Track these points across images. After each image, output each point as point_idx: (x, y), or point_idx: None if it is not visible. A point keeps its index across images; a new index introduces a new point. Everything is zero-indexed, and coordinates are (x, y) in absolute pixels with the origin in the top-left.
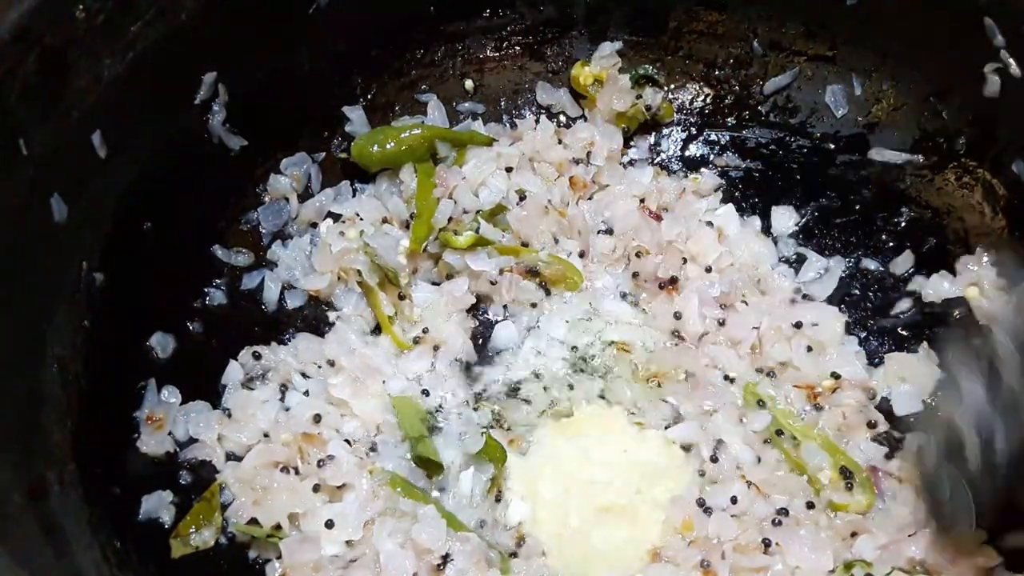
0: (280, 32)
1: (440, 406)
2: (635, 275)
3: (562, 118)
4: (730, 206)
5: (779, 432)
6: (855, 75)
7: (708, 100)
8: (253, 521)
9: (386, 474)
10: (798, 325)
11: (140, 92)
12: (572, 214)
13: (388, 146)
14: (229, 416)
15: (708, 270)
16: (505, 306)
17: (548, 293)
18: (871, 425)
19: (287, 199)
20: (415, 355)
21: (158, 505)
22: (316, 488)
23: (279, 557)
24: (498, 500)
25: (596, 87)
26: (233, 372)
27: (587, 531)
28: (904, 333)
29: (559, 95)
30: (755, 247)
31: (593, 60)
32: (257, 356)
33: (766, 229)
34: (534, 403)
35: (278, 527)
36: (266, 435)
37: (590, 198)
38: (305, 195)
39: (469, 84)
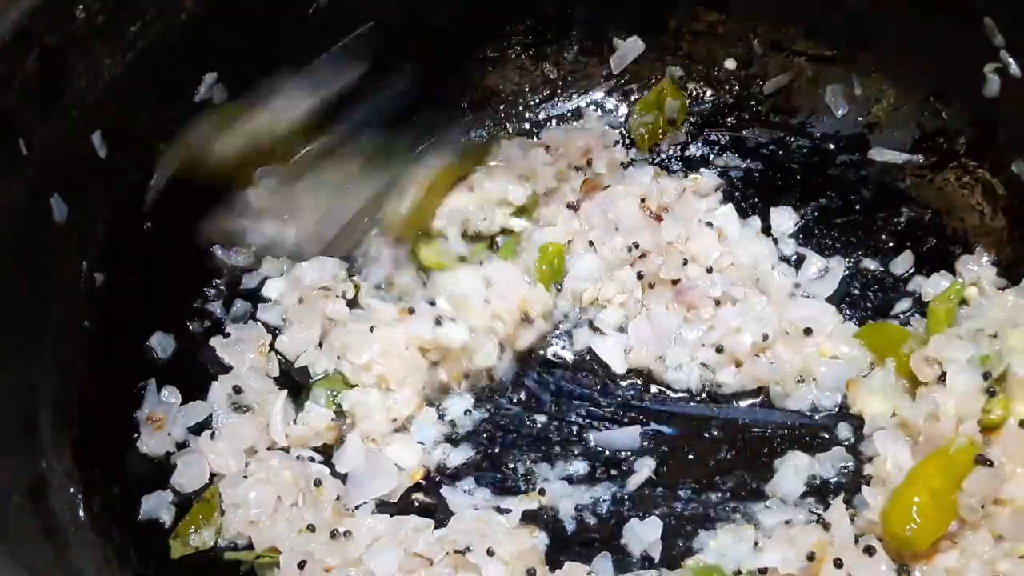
0: (280, 32)
1: None
2: (640, 275)
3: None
4: (730, 206)
5: None
6: (855, 75)
7: (708, 100)
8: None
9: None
10: (808, 331)
11: (140, 92)
12: (588, 210)
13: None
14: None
15: (709, 271)
16: None
17: None
18: None
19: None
20: None
21: (158, 505)
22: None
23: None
24: None
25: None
26: (215, 394)
27: None
28: None
29: None
30: (755, 247)
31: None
32: (238, 390)
33: (766, 229)
34: None
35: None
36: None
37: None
38: None
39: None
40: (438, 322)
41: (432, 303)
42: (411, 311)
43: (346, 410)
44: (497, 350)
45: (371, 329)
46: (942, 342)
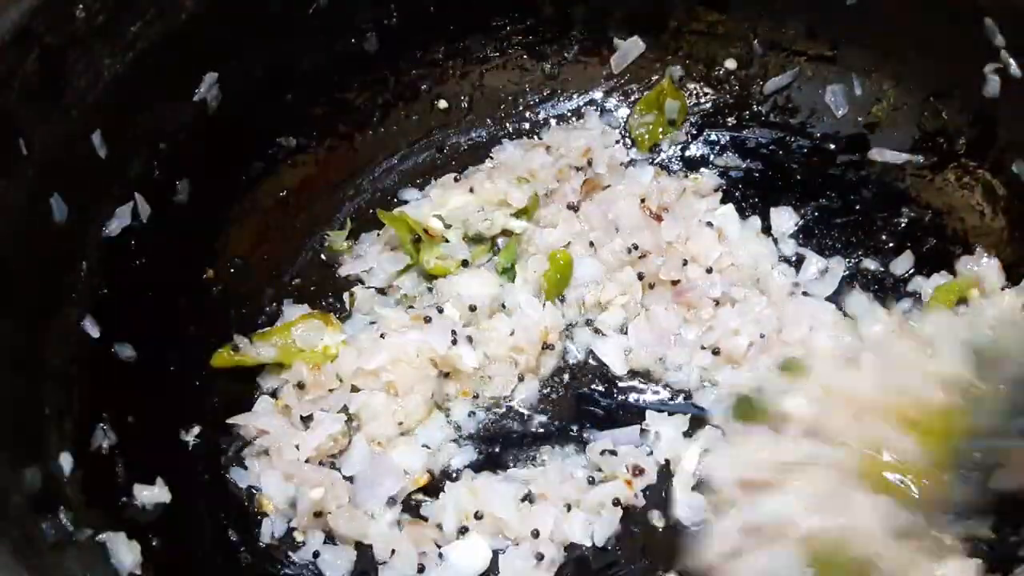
0: (280, 32)
1: None
2: (640, 276)
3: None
4: (730, 206)
5: None
6: (855, 75)
7: (708, 100)
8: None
9: None
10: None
11: (140, 92)
12: (588, 210)
13: None
14: None
15: (709, 271)
16: None
17: None
18: None
19: None
20: None
21: (152, 497)
22: None
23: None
24: None
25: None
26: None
27: None
28: None
29: None
30: (755, 247)
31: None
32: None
33: (766, 229)
34: None
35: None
36: None
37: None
38: None
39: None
40: (454, 341)
41: (440, 310)
42: (427, 320)
43: (352, 412)
44: (515, 381)
45: (382, 336)
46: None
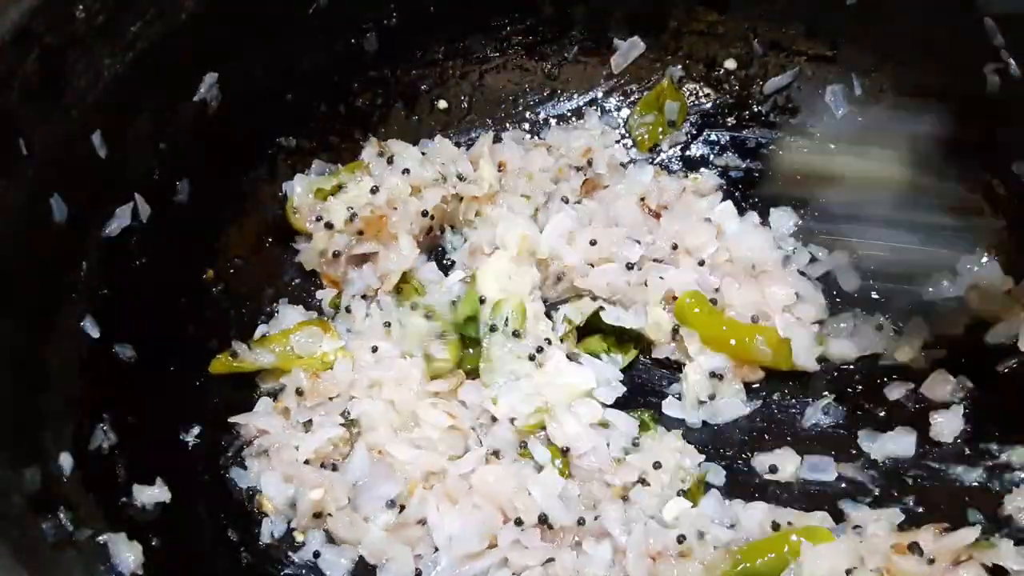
0: (280, 32)
1: None
2: (628, 267)
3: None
4: (729, 203)
5: None
6: (855, 75)
7: (708, 100)
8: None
9: None
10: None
11: (140, 92)
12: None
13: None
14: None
15: (701, 264)
16: None
17: None
18: None
19: None
20: None
21: (151, 496)
22: None
23: None
24: None
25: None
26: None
27: None
28: None
29: None
30: (753, 240)
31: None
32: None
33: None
34: None
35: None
36: None
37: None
38: None
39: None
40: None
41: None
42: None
43: (352, 419)
44: None
45: (374, 349)
46: None
